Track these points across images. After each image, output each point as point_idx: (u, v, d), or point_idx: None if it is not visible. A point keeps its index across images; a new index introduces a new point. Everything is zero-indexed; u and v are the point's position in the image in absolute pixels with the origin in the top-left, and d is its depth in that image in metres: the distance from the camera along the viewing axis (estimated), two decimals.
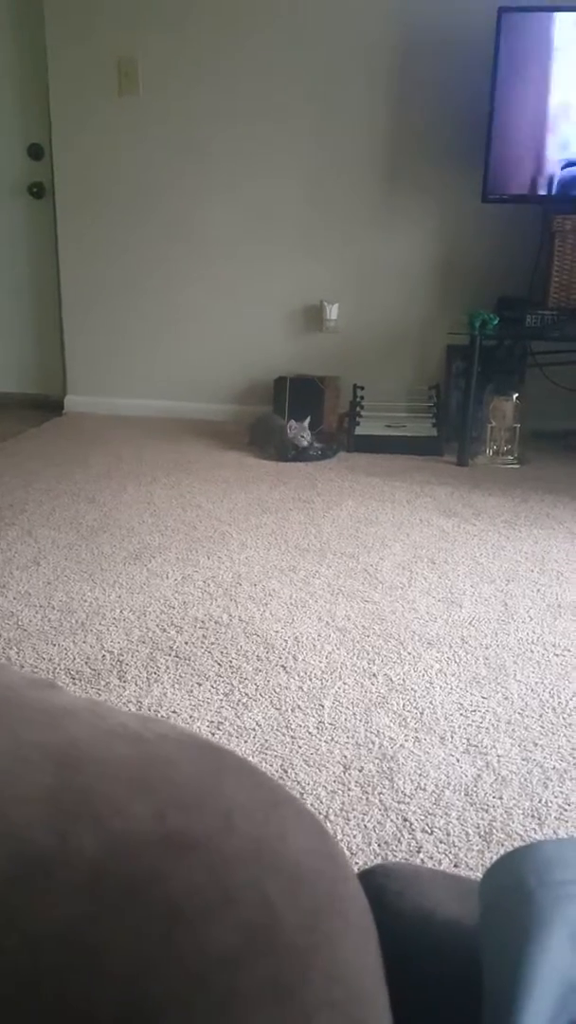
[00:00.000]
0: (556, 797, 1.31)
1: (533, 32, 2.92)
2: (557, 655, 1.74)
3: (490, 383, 3.16)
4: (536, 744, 1.44)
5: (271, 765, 1.38)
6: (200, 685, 1.59)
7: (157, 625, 1.83)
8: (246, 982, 0.29)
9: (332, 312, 3.54)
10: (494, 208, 3.16)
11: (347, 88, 3.33)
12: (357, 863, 1.18)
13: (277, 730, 1.47)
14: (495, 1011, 0.36)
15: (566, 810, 1.28)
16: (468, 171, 3.14)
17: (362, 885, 0.47)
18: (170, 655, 1.70)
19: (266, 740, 1.45)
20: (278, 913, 0.31)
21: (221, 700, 1.55)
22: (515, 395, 3.10)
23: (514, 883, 0.39)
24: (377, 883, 0.45)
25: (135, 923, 0.29)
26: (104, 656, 1.70)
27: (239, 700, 1.55)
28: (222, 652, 1.72)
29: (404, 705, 1.56)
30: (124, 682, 1.60)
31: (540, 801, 1.30)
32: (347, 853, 1.11)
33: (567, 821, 1.26)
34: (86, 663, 1.67)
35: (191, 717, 1.49)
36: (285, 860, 0.34)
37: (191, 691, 1.57)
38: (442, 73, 3.22)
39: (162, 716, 1.49)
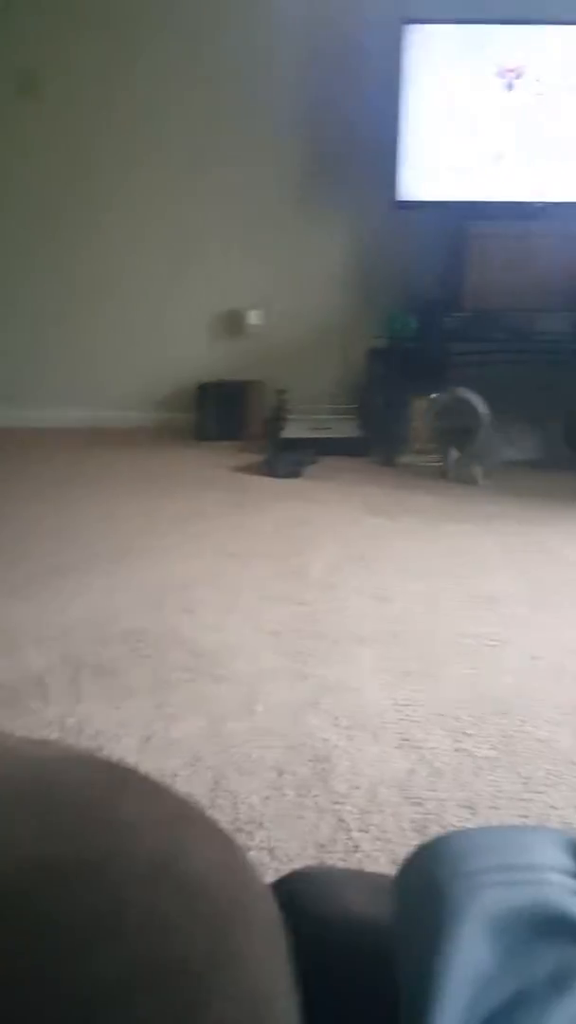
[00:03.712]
0: (488, 786, 1.31)
1: (437, 43, 2.97)
2: (484, 646, 1.76)
3: (412, 384, 3.19)
4: (467, 734, 1.45)
5: (202, 776, 1.35)
6: (127, 700, 1.55)
7: (81, 641, 1.78)
8: (141, 1013, 0.27)
9: (253, 317, 3.53)
10: (410, 212, 3.20)
11: (258, 95, 3.33)
12: (294, 867, 1.17)
13: (208, 740, 1.45)
14: (410, 1009, 0.35)
15: (498, 798, 1.29)
16: (382, 176, 3.17)
17: (277, 893, 0.45)
18: (95, 671, 1.66)
19: (197, 751, 1.42)
20: (176, 936, 0.29)
21: (150, 713, 1.51)
22: (436, 395, 3.14)
23: (426, 877, 0.38)
24: (293, 890, 0.43)
25: (8, 958, 0.27)
26: (24, 677, 1.64)
27: (168, 712, 1.52)
28: (150, 664, 1.68)
29: (337, 704, 1.55)
30: (46, 703, 1.55)
31: (473, 791, 1.30)
32: (257, 864, 1.09)
33: (499, 808, 1.26)
34: (2, 686, 1.61)
35: (118, 733, 1.45)
36: (185, 878, 0.32)
37: (118, 707, 1.53)
38: (352, 81, 3.25)
39: (88, 735, 1.45)
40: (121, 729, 1.47)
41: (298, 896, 0.42)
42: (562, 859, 0.42)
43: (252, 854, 1.19)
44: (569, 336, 3.07)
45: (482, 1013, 0.35)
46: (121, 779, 0.36)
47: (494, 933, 0.37)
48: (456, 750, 1.41)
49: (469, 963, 0.35)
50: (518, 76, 2.98)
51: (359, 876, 0.48)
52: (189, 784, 1.33)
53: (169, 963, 0.29)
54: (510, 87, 2.99)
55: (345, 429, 3.35)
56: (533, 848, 0.41)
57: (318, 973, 0.37)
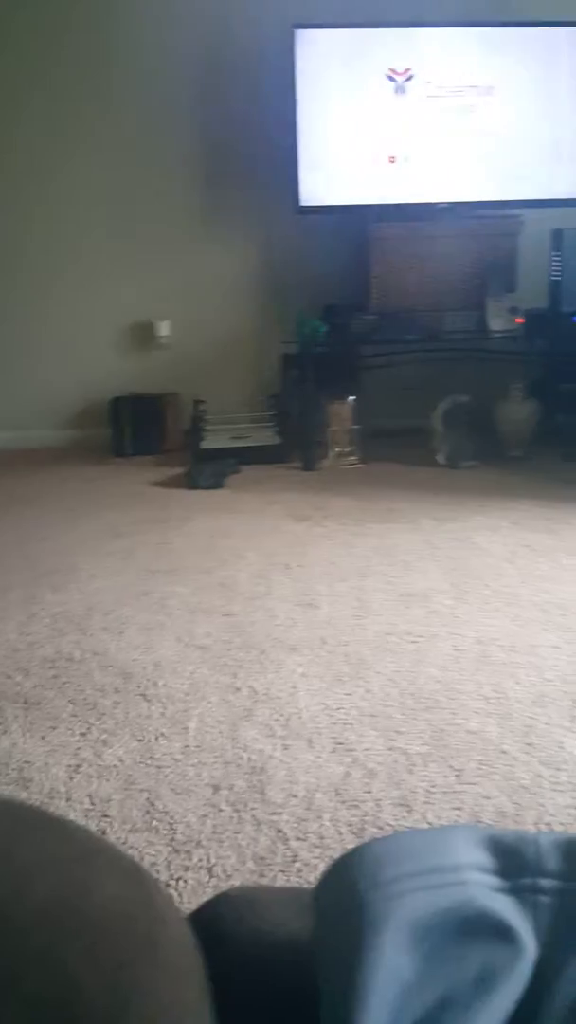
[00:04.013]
0: (422, 782, 1.33)
1: (327, 47, 3.01)
2: (411, 642, 1.78)
3: (326, 388, 3.22)
4: (399, 732, 1.46)
5: (136, 800, 1.33)
6: (54, 729, 1.52)
7: (1, 670, 1.73)
8: None
9: (163, 328, 3.51)
10: (313, 217, 3.23)
11: (154, 104, 3.32)
12: (234, 884, 1.15)
13: (141, 762, 1.42)
14: None
15: (432, 793, 1.30)
16: (283, 182, 3.19)
17: (200, 918, 0.44)
18: (17, 702, 1.61)
19: (130, 775, 1.39)
20: (77, 978, 0.28)
21: (78, 741, 1.48)
22: (351, 398, 3.17)
23: (345, 889, 0.38)
24: (214, 914, 0.42)
25: None
26: None
27: (98, 738, 1.49)
28: (76, 690, 1.64)
29: (270, 714, 1.55)
30: None
31: (407, 788, 1.31)
32: (169, 894, 1.08)
33: (434, 804, 1.28)
34: None
35: (46, 763, 1.41)
36: (87, 917, 0.31)
37: (44, 736, 1.49)
38: (247, 87, 3.27)
39: (14, 768, 1.41)
40: (50, 759, 1.43)
41: (219, 921, 0.41)
42: (480, 856, 0.43)
43: (190, 874, 1.17)
44: (474, 334, 3.14)
45: (407, 1022, 0.35)
46: (19, 818, 0.35)
47: (416, 940, 0.37)
48: (389, 749, 1.42)
49: (391, 973, 0.35)
50: (408, 79, 3.04)
51: (283, 893, 0.48)
52: (123, 809, 1.31)
53: (72, 1005, 0.28)
54: (401, 90, 3.05)
55: (264, 436, 3.35)
56: (450, 849, 0.41)
57: (239, 999, 0.36)
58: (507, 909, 0.41)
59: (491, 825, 1.23)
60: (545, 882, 0.43)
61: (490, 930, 0.40)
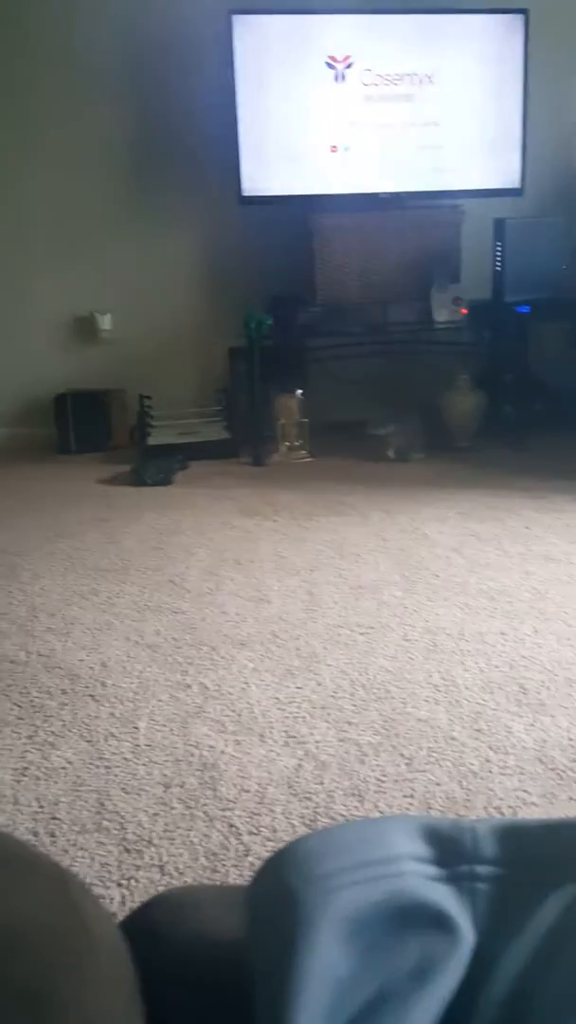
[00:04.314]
0: (373, 771, 1.33)
1: (265, 33, 2.99)
2: (362, 634, 1.78)
3: (274, 381, 3.21)
4: (350, 723, 1.47)
5: (86, 801, 1.31)
6: None
7: None
8: None
9: (106, 322, 3.46)
10: (256, 208, 3.21)
11: (88, 94, 3.26)
12: (186, 882, 1.14)
13: (90, 763, 1.40)
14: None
15: (383, 782, 1.31)
16: (224, 172, 3.17)
17: (134, 922, 0.43)
18: None
19: (79, 776, 1.37)
20: None
21: (24, 744, 1.45)
22: (299, 391, 3.17)
23: (278, 886, 0.37)
24: (151, 917, 0.41)
25: None
26: None
27: (45, 740, 1.46)
28: (21, 693, 1.61)
29: (221, 710, 1.54)
30: None
31: (359, 778, 1.32)
32: (98, 899, 1.07)
33: (385, 793, 1.28)
34: None
35: None
36: (2, 929, 0.29)
37: None
38: (185, 76, 3.23)
39: None
40: None
41: (154, 925, 0.41)
42: (415, 846, 0.42)
43: (141, 873, 1.16)
44: (419, 325, 3.16)
45: (344, 1018, 0.34)
46: None
47: (351, 935, 0.37)
48: (341, 740, 1.42)
49: (325, 969, 0.34)
50: (348, 66, 3.03)
51: (220, 893, 0.47)
52: (72, 810, 1.29)
53: None
54: (341, 78, 3.04)
55: (213, 432, 3.33)
56: (385, 840, 0.41)
57: (175, 1003, 0.35)
58: (445, 898, 0.41)
59: (430, 815, 1.24)
60: (482, 869, 0.43)
61: (427, 920, 0.39)
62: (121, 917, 0.54)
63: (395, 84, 3.07)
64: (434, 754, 1.37)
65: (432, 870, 0.42)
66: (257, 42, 2.98)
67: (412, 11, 3.06)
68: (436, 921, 0.40)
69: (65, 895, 0.33)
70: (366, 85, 3.07)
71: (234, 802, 1.29)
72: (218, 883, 1.11)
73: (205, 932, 0.41)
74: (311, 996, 0.33)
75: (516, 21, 3.08)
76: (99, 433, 3.40)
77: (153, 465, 3.01)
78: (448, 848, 0.43)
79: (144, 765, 1.39)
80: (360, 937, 0.36)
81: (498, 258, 3.06)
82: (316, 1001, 0.34)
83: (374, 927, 0.37)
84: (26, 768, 1.38)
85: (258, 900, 0.38)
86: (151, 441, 3.25)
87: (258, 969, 0.36)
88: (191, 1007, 0.38)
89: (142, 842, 1.22)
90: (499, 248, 3.04)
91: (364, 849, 0.39)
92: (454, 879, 0.42)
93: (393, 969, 0.37)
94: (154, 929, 0.41)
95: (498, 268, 3.06)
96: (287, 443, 3.19)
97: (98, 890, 1.14)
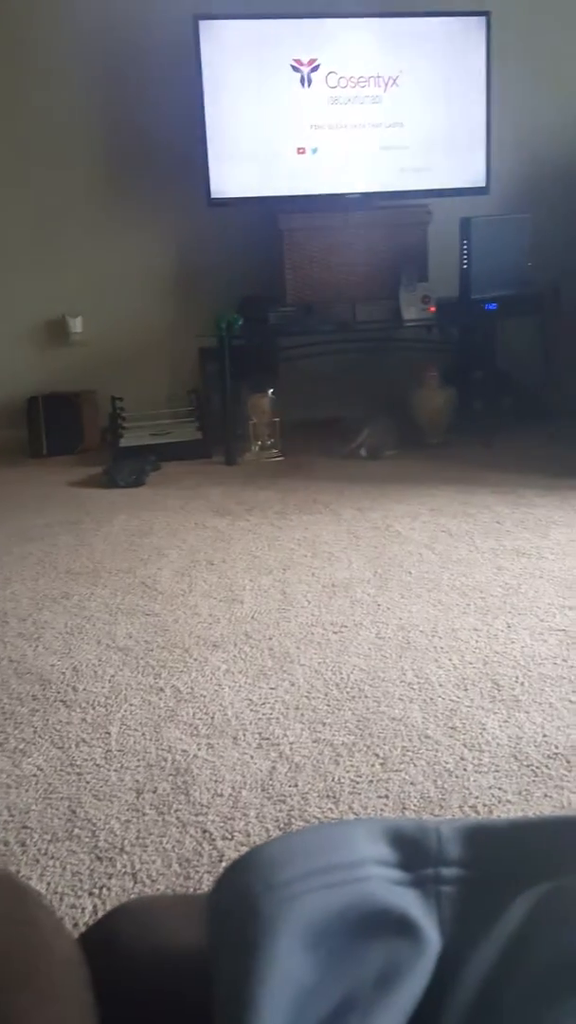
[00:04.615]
0: (347, 772, 1.33)
1: (231, 39, 2.98)
2: (335, 633, 1.78)
3: (246, 381, 3.20)
4: (324, 724, 1.46)
5: (57, 808, 1.29)
6: None
7: None
8: None
9: (76, 325, 3.43)
10: (225, 209, 3.19)
11: (57, 98, 3.23)
12: (159, 889, 1.13)
13: (61, 770, 1.38)
14: None
15: (358, 783, 1.30)
16: (192, 174, 3.15)
17: (94, 935, 0.42)
18: None
19: (50, 783, 1.35)
20: None
21: None
22: (270, 391, 3.16)
23: (239, 893, 0.36)
24: (109, 930, 0.40)
25: None
26: None
27: (16, 747, 1.44)
28: None
29: (194, 713, 1.53)
30: None
31: (333, 780, 1.31)
32: (53, 911, 1.05)
33: (360, 793, 1.28)
34: None
35: None
36: None
37: None
38: (153, 79, 3.21)
39: None
40: None
41: (114, 937, 0.40)
42: (380, 849, 0.42)
43: (114, 882, 1.14)
44: (389, 324, 3.16)
45: None
46: None
47: (314, 942, 0.36)
48: (315, 741, 1.41)
49: (286, 978, 0.33)
50: (313, 70, 3.03)
51: (182, 902, 0.46)
52: (43, 818, 1.27)
53: None
54: (307, 81, 3.04)
55: (185, 432, 3.31)
56: (348, 844, 0.40)
57: (136, 1016, 0.34)
58: (409, 902, 0.40)
59: (400, 816, 1.24)
60: (447, 871, 0.42)
61: (391, 926, 0.39)
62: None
63: (361, 87, 3.07)
64: (409, 753, 1.37)
65: (396, 874, 0.41)
66: (223, 47, 2.97)
67: (376, 15, 3.06)
68: (400, 927, 0.39)
69: (20, 909, 0.32)
70: (332, 88, 3.07)
71: (207, 807, 1.27)
72: (183, 891, 1.09)
73: (166, 942, 0.40)
74: (272, 1006, 0.33)
75: (479, 24, 3.10)
76: (71, 435, 3.37)
77: (125, 467, 2.98)
78: (412, 851, 0.42)
79: (116, 771, 1.37)
80: (322, 944, 0.35)
81: (465, 256, 3.07)
82: (278, 1011, 0.33)
83: (337, 934, 0.36)
84: None
85: (218, 909, 0.37)
86: (123, 443, 3.22)
87: (219, 979, 0.35)
88: (151, 1018, 0.37)
89: (114, 850, 1.20)
90: (466, 246, 3.06)
91: (326, 854, 0.39)
92: (419, 883, 0.41)
93: (357, 977, 0.36)
94: (114, 940, 0.39)
95: (465, 266, 3.07)
96: (259, 442, 3.18)
97: (69, 900, 1.13)
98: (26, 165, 3.28)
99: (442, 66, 3.11)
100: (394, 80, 3.09)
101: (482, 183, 3.25)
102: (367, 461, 3.04)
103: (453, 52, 3.11)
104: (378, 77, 3.08)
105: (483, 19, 3.09)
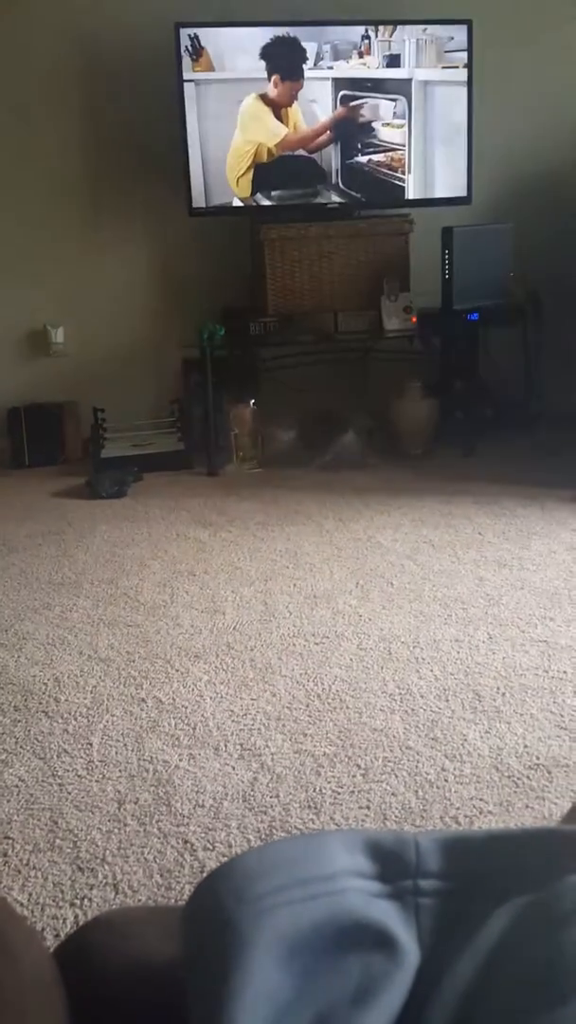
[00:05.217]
0: (329, 783, 1.33)
1: (211, 45, 3.00)
2: (316, 643, 1.78)
3: (228, 392, 3.20)
4: (305, 734, 1.46)
5: (39, 819, 1.28)
6: None
7: None
8: None
9: (58, 335, 3.42)
10: (205, 219, 3.20)
11: (38, 108, 3.23)
12: (140, 900, 1.13)
13: (43, 781, 1.38)
14: None
15: (339, 793, 1.30)
16: (172, 184, 3.16)
17: (67, 948, 0.42)
18: None
19: (31, 794, 1.34)
20: None
21: None
22: (252, 401, 3.17)
23: (213, 907, 0.36)
24: (82, 943, 0.40)
25: None
26: None
27: None
28: None
29: (176, 724, 1.53)
30: None
31: (315, 790, 1.31)
32: (29, 926, 1.05)
33: (341, 804, 1.28)
34: None
35: None
36: None
37: None
38: (132, 89, 3.22)
39: None
40: None
41: (87, 950, 0.40)
42: (358, 861, 0.42)
43: (95, 892, 1.14)
44: (370, 334, 3.18)
45: None
46: None
47: (289, 956, 0.36)
48: (296, 752, 1.42)
49: (262, 993, 0.34)
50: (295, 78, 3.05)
51: (158, 914, 0.46)
52: (25, 829, 1.26)
53: None
54: (288, 89, 3.06)
55: (167, 443, 3.31)
56: (324, 856, 0.40)
57: None
58: (387, 915, 0.40)
59: (379, 828, 1.24)
60: (426, 883, 0.42)
61: (369, 939, 0.39)
62: None
63: (343, 93, 3.10)
64: (390, 764, 1.37)
65: (374, 886, 0.41)
66: (204, 55, 2.99)
67: (358, 23, 3.09)
68: (378, 940, 0.39)
69: None
70: (311, 96, 3.09)
71: (189, 817, 1.27)
72: (164, 902, 1.09)
73: (140, 955, 0.40)
74: (247, 1021, 0.33)
75: (460, 32, 3.13)
76: (53, 446, 3.36)
77: (107, 478, 2.98)
78: (391, 863, 0.42)
79: (98, 782, 1.37)
80: (298, 958, 0.36)
81: (447, 266, 3.09)
82: None
83: (313, 948, 0.37)
84: None
85: (193, 921, 0.38)
86: (105, 454, 3.21)
87: (193, 993, 0.35)
88: None
89: (95, 860, 1.20)
90: (447, 256, 3.08)
91: (302, 866, 0.39)
92: (397, 895, 0.41)
93: (333, 991, 0.36)
94: (88, 953, 0.40)
95: (447, 276, 3.10)
96: (241, 453, 3.18)
97: (51, 910, 1.12)
98: (8, 176, 3.28)
99: (424, 74, 3.14)
100: (376, 88, 3.12)
101: (464, 193, 3.28)
102: (348, 472, 3.05)
103: (435, 60, 3.15)
104: (360, 85, 3.10)
105: (464, 27, 3.13)
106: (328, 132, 3.14)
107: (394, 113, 3.17)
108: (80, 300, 3.41)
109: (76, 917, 1.11)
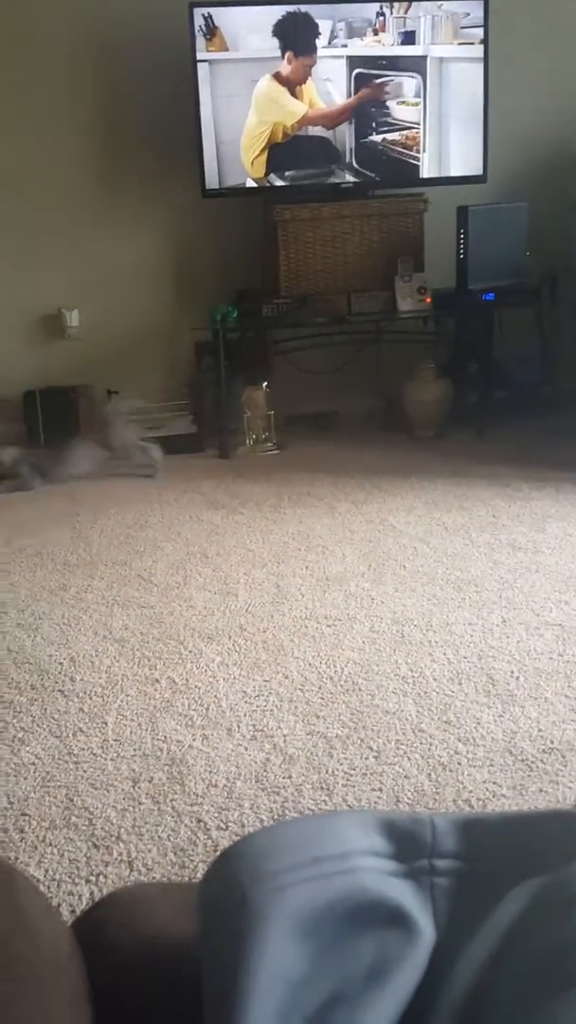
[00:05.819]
0: (341, 764, 1.34)
1: (225, 24, 2.97)
2: (329, 626, 1.79)
3: (240, 374, 3.20)
4: (318, 716, 1.47)
5: (55, 796, 1.30)
6: None
7: None
8: None
9: (73, 319, 3.42)
10: (218, 201, 3.19)
11: (52, 90, 3.21)
12: (155, 878, 1.14)
13: (59, 759, 1.39)
14: None
15: (351, 775, 1.31)
16: (185, 166, 3.14)
17: (84, 923, 0.43)
18: None
19: (48, 772, 1.36)
20: None
21: None
22: (264, 383, 3.16)
23: (228, 884, 0.37)
24: (100, 918, 0.41)
25: None
26: None
27: (14, 736, 1.45)
28: None
29: (189, 705, 1.54)
30: None
31: (327, 772, 1.32)
32: (44, 900, 1.06)
33: (354, 786, 1.29)
34: None
35: None
36: None
37: None
38: (146, 70, 3.19)
39: None
40: None
41: (103, 925, 0.40)
42: (373, 840, 0.42)
43: (110, 869, 1.15)
44: (384, 315, 3.16)
45: (297, 1020, 0.34)
46: None
47: (304, 934, 0.36)
48: (309, 733, 1.42)
49: (276, 971, 0.34)
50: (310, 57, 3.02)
51: (172, 891, 0.47)
52: (41, 806, 1.28)
53: None
54: (303, 68, 3.03)
55: (179, 425, 3.31)
56: (341, 835, 0.41)
57: (124, 1006, 0.35)
58: (403, 894, 0.41)
59: (395, 808, 1.25)
60: (442, 863, 0.42)
61: (384, 917, 0.39)
62: None
63: (358, 72, 3.06)
64: (402, 746, 1.38)
65: (390, 865, 0.42)
66: (217, 34, 2.96)
67: (371, 0, 3.05)
68: (393, 918, 0.39)
69: (8, 895, 0.33)
70: (327, 75, 3.06)
71: (202, 797, 1.28)
72: (178, 880, 1.10)
73: (155, 931, 0.41)
74: (262, 998, 0.33)
75: (477, 8, 3.09)
76: (67, 428, 3.36)
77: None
78: (407, 842, 0.42)
79: (112, 760, 1.38)
80: (313, 936, 0.36)
81: (462, 246, 3.06)
82: (267, 1003, 0.33)
83: (328, 926, 0.37)
84: None
85: (208, 899, 0.38)
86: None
87: (208, 969, 0.35)
88: (140, 1007, 0.38)
89: (110, 838, 1.21)
90: (462, 236, 3.05)
91: (316, 845, 0.39)
92: (413, 874, 0.42)
93: (348, 970, 0.36)
94: (104, 929, 0.40)
95: (462, 256, 3.07)
96: (253, 435, 3.18)
97: (67, 887, 1.14)
98: (22, 159, 3.26)
99: (440, 52, 3.10)
100: (391, 66, 3.08)
101: (480, 171, 3.24)
102: (361, 454, 3.04)
103: (451, 36, 3.10)
104: (376, 63, 3.07)
105: (480, 2, 3.09)
106: (350, 110, 3.11)
107: (412, 91, 3.14)
108: (94, 283, 3.40)
109: (91, 894, 1.12)
